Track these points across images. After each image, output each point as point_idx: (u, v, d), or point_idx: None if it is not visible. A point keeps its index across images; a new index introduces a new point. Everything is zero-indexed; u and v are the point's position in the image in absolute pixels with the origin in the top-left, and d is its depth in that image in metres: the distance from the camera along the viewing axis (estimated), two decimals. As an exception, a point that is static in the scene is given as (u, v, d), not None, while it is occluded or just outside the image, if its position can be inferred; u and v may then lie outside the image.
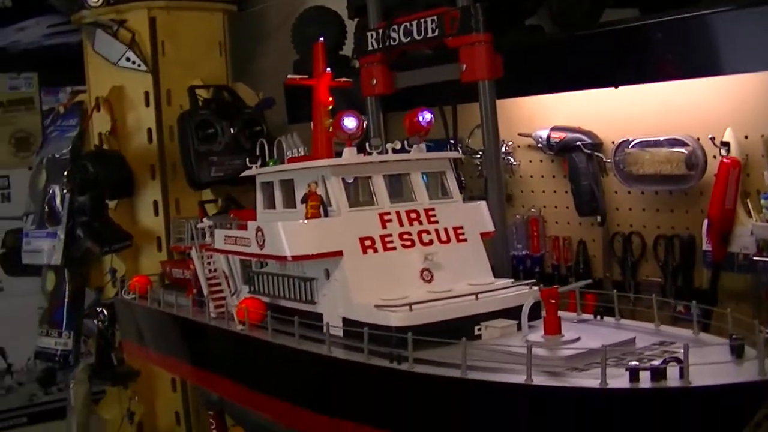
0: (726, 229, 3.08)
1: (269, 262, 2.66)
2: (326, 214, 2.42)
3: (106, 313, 4.31)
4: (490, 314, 2.25)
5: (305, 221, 2.41)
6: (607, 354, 1.81)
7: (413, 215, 2.48)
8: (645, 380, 1.76)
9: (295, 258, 2.39)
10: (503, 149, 3.83)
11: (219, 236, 2.80)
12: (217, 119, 4.23)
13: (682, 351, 1.76)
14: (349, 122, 2.48)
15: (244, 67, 5.02)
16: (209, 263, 2.92)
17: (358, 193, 2.49)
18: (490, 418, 1.89)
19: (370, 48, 3.22)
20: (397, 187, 2.54)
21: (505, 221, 3.34)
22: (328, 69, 2.68)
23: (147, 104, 4.42)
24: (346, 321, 2.29)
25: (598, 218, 3.54)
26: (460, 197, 2.62)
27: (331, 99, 2.67)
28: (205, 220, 3.07)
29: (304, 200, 2.41)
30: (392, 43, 3.13)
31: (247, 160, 2.79)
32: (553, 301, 2.12)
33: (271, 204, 2.71)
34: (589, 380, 1.80)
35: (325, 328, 2.26)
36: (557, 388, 1.80)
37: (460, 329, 2.09)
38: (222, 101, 4.33)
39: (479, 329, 2.21)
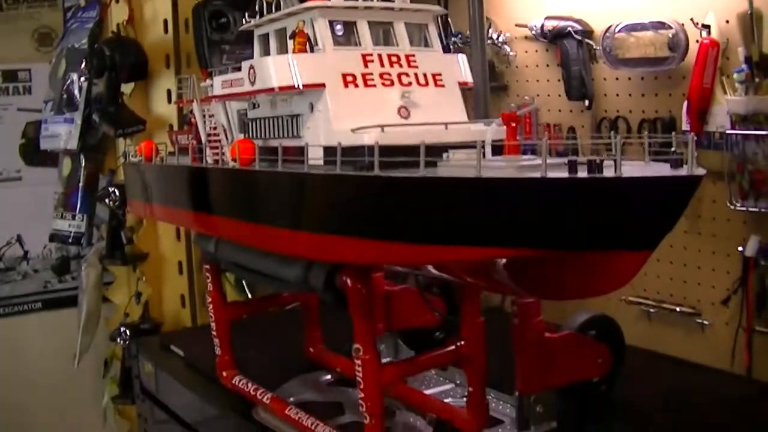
0: (703, 107, 3.24)
1: (261, 104, 2.83)
2: (312, 51, 2.58)
3: (117, 193, 4.50)
4: (458, 145, 2.37)
5: (291, 55, 2.58)
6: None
7: (394, 58, 2.62)
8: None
9: (282, 88, 2.54)
10: (500, 39, 3.99)
11: (217, 83, 2.97)
12: (230, 9, 4.37)
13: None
14: (338, -32, 2.63)
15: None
16: (210, 117, 3.10)
17: (343, 37, 2.64)
18: (444, 211, 2.05)
19: None
20: (381, 34, 2.68)
21: (487, 105, 3.50)
22: None
23: (162, -5, 4.60)
24: (326, 149, 2.46)
25: (586, 102, 3.70)
26: (440, 49, 2.78)
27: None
28: (207, 81, 3.23)
29: (291, 36, 2.58)
30: None
31: (246, 15, 2.94)
32: (513, 123, 2.27)
33: (266, 55, 2.88)
34: (533, 174, 1.96)
35: (305, 150, 2.43)
36: (502, 179, 1.96)
37: (429, 154, 2.18)
38: (236, -8, 4.48)
39: (447, 156, 2.35)
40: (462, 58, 2.80)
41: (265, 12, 2.89)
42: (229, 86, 2.85)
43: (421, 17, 2.74)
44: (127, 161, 3.63)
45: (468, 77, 2.77)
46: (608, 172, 1.90)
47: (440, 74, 2.68)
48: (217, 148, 3.02)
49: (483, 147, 2.06)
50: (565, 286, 2.18)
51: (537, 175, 1.92)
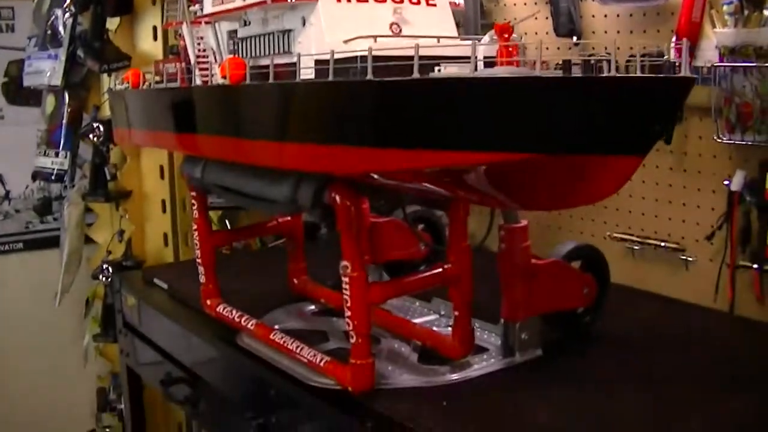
0: (692, 41, 3.23)
1: (252, 21, 2.81)
2: (306, -33, 2.57)
3: (102, 129, 4.47)
4: (450, 58, 2.38)
5: None
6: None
7: (385, -23, 2.63)
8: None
9: (275, 0, 2.54)
10: (490, -23, 3.98)
11: (207, 2, 2.95)
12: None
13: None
14: None
15: None
16: (199, 41, 3.08)
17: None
18: (438, 115, 2.05)
19: None
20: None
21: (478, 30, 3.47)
22: None
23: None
24: (317, 62, 2.45)
25: (574, 38, 3.69)
26: (433, -26, 2.77)
27: None
28: (196, 5, 3.20)
29: (286, -50, 2.57)
30: None
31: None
32: (506, 35, 2.27)
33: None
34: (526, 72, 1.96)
35: (296, 59, 2.41)
36: (495, 78, 1.96)
37: (421, 67, 2.20)
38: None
39: (439, 69, 2.35)
40: (453, -20, 2.79)
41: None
42: (220, 3, 2.83)
43: None
44: (113, 90, 3.60)
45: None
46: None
47: (431, -6, 2.67)
48: (206, 69, 3.00)
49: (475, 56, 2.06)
50: (553, 193, 2.19)
51: (531, 74, 1.92)
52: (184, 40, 3.14)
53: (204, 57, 3.03)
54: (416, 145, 2.10)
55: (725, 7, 3.06)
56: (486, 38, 2.37)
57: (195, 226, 3.33)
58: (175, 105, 3.05)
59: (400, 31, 2.56)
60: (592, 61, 1.91)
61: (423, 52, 2.26)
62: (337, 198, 2.56)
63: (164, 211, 4.70)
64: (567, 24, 3.66)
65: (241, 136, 2.68)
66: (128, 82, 3.46)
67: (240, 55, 2.89)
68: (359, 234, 2.58)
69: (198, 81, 2.99)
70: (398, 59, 2.18)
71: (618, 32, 3.60)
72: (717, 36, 3.11)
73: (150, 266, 4.50)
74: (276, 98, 2.49)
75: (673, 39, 3.28)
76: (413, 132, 2.10)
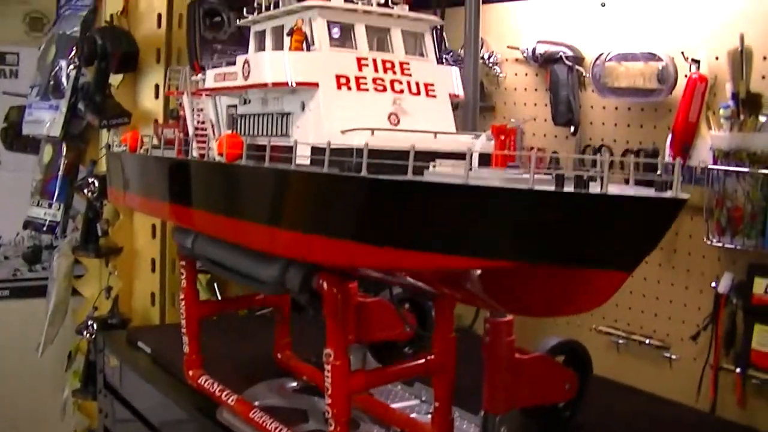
0: (687, 141, 3.26)
1: (252, 101, 2.82)
2: (308, 50, 2.59)
3: (96, 184, 4.47)
4: (446, 154, 2.38)
5: (287, 52, 2.58)
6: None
7: (388, 65, 2.63)
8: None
9: (275, 84, 2.54)
10: (491, 60, 4.01)
11: (209, 76, 2.97)
12: (224, 8, 4.39)
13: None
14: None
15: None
16: (199, 112, 3.09)
17: (339, 38, 2.63)
18: (428, 216, 2.05)
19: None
20: (378, 40, 2.68)
21: (476, 120, 3.50)
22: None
23: (160, -11, 4.60)
24: (314, 149, 2.46)
25: (572, 128, 3.72)
26: (435, 60, 2.79)
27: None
28: (199, 75, 3.22)
29: (289, 33, 2.58)
30: None
31: (245, 10, 2.94)
32: (503, 136, 2.28)
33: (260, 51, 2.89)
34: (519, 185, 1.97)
35: (293, 147, 2.43)
36: (488, 188, 1.96)
37: (416, 161, 2.17)
38: (232, -7, 4.49)
39: (433, 165, 2.35)
40: (455, 70, 2.81)
41: (263, 9, 2.88)
42: (222, 80, 2.85)
43: (418, 26, 2.76)
44: (111, 150, 3.61)
45: (459, 90, 2.78)
46: (594, 190, 1.91)
47: (432, 84, 2.69)
48: (204, 142, 3.01)
49: (471, 157, 2.07)
50: (538, 302, 2.18)
51: (524, 186, 1.93)
52: (184, 110, 3.15)
53: (202, 129, 3.04)
54: (404, 246, 2.10)
55: (722, 111, 3.09)
56: (483, 137, 2.39)
57: (182, 296, 3.32)
58: (171, 175, 3.06)
59: (398, 122, 2.57)
60: (585, 177, 1.91)
61: (419, 146, 2.27)
62: (325, 285, 2.56)
63: (153, 270, 4.69)
64: (566, 113, 3.69)
65: (233, 216, 2.69)
66: (126, 144, 3.47)
67: (238, 132, 2.90)
68: (345, 321, 2.58)
69: (195, 153, 3.00)
70: (393, 154, 2.18)
71: (615, 125, 3.64)
72: (712, 138, 3.14)
73: (135, 327, 4.48)
74: (270, 182, 2.50)
75: (669, 136, 3.31)
76: (402, 231, 2.10)
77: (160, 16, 4.60)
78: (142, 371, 3.69)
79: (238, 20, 4.37)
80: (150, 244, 4.69)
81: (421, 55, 2.76)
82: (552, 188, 1.91)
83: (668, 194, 1.95)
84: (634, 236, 1.94)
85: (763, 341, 3.06)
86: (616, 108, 3.62)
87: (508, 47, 3.97)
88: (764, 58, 3.09)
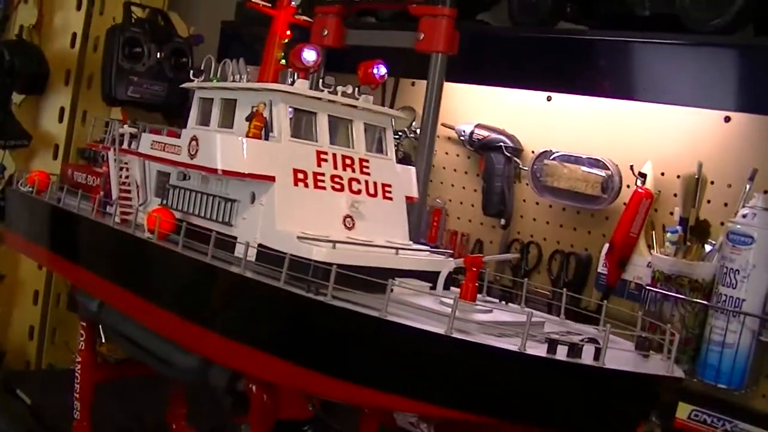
0: (626, 255, 3.19)
1: (192, 176, 2.61)
2: (267, 139, 2.39)
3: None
4: (406, 272, 2.26)
5: (244, 139, 2.38)
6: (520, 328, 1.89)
7: (348, 161, 2.47)
8: (561, 354, 1.80)
9: (226, 173, 2.34)
10: (422, 134, 3.88)
11: (146, 140, 2.73)
12: (146, 40, 4.13)
13: (596, 334, 1.84)
14: (309, 55, 2.46)
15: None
16: (124, 169, 2.85)
17: (300, 127, 2.47)
18: (404, 363, 1.90)
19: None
20: (338, 131, 2.53)
21: (425, 201, 3.37)
22: (293, 3, 2.66)
23: (78, 8, 4.26)
24: (262, 247, 2.26)
25: (503, 221, 3.61)
26: (393, 158, 2.64)
27: (289, 33, 2.65)
28: (126, 126, 2.98)
29: (249, 118, 2.38)
30: (354, -1, 3.14)
31: (191, 72, 2.72)
32: (475, 268, 2.15)
33: (205, 121, 2.66)
34: (509, 344, 1.83)
35: (243, 248, 2.23)
36: (477, 345, 1.82)
37: (377, 279, 2.07)
38: (155, 24, 4.23)
39: (393, 284, 2.20)
40: (412, 171, 2.67)
41: (211, 74, 2.68)
42: (161, 149, 2.61)
43: (381, 120, 2.61)
44: (14, 189, 3.31)
45: (415, 192, 2.66)
46: (586, 356, 1.79)
47: (390, 186, 2.55)
48: (128, 206, 2.77)
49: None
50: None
51: (513, 347, 1.79)
52: (107, 165, 2.89)
53: (126, 189, 2.80)
54: (374, 384, 1.94)
55: (669, 235, 3.02)
56: (452, 263, 2.26)
57: (79, 358, 3.07)
58: (89, 240, 2.82)
59: (353, 225, 2.41)
60: (580, 344, 1.80)
61: (381, 263, 2.20)
62: (254, 389, 2.38)
63: (35, 302, 4.37)
64: (498, 204, 3.58)
65: (161, 305, 2.47)
66: (33, 186, 3.20)
67: (169, 202, 2.68)
68: (272, 420, 2.41)
69: (116, 218, 2.76)
70: (353, 269, 2.04)
71: (547, 223, 3.54)
72: (654, 258, 3.07)
73: (13, 371, 4.15)
74: (217, 283, 2.29)
75: (606, 246, 3.24)
76: (374, 368, 1.95)
77: (75, 35, 4.29)
78: (20, 425, 3.39)
79: (159, 53, 4.17)
80: (35, 275, 4.37)
81: (380, 151, 2.61)
82: (545, 354, 1.79)
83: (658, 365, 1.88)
84: (624, 408, 1.84)
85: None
86: (550, 206, 3.53)
87: (442, 124, 3.83)
88: (711, 182, 3.04)
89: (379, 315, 1.89)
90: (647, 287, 3.06)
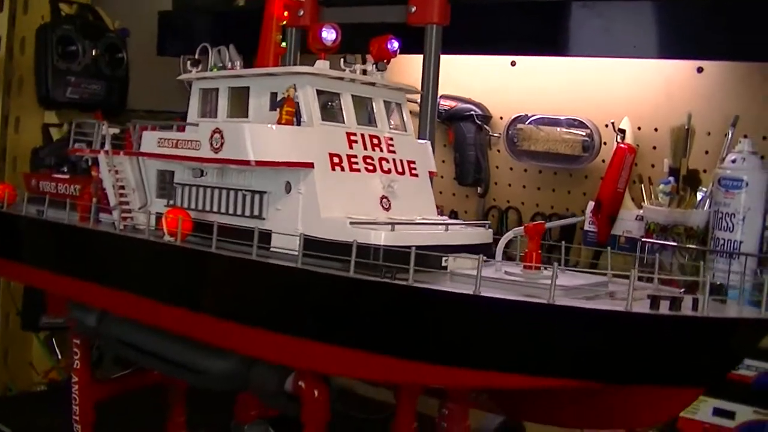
0: (614, 211, 3.22)
1: (209, 173, 2.47)
2: (298, 124, 2.29)
3: None
4: (457, 248, 2.21)
5: (274, 126, 2.27)
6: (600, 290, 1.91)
7: (375, 141, 2.40)
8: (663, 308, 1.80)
9: (260, 163, 2.23)
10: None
11: (149, 139, 2.57)
12: (80, 37, 3.93)
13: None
14: (328, 34, 2.37)
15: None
16: (117, 172, 2.69)
17: (325, 110, 2.38)
18: (503, 338, 1.85)
19: (305, -24, 3.09)
20: (361, 110, 2.46)
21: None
22: (287, -17, 2.56)
23: (0, 8, 4.02)
24: (307, 238, 2.16)
25: (479, 189, 3.59)
26: (413, 132, 2.59)
27: (286, 14, 2.55)
28: (104, 125, 2.80)
29: (279, 105, 2.26)
30: (332, -26, 3.04)
31: (188, 62, 2.58)
32: (537, 237, 2.12)
33: (209, 112, 2.54)
34: (613, 305, 1.81)
35: (285, 241, 2.14)
36: (584, 310, 1.79)
37: (431, 258, 2.04)
38: (86, 20, 4.03)
39: (445, 260, 2.16)
40: (429, 146, 2.63)
41: (210, 64, 2.56)
42: (173, 146, 2.46)
43: (397, 95, 2.55)
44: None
45: (434, 167, 2.61)
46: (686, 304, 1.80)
47: (414, 162, 2.49)
48: (126, 210, 2.62)
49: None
50: (609, 418, 2.05)
51: (619, 308, 1.77)
52: (97, 170, 2.73)
53: (124, 195, 2.65)
54: (472, 364, 1.90)
55: (662, 186, 3.05)
56: (510, 234, 2.22)
57: (75, 378, 2.91)
58: (87, 250, 2.65)
59: (390, 205, 2.34)
60: (679, 294, 1.80)
61: (436, 241, 2.15)
62: (304, 386, 2.29)
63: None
64: (473, 174, 3.55)
65: (197, 310, 2.34)
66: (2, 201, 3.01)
67: (179, 201, 2.55)
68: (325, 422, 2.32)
69: (120, 224, 2.60)
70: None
71: (524, 187, 3.55)
72: (646, 211, 3.10)
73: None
74: (272, 282, 2.18)
75: (591, 203, 3.26)
76: (471, 348, 1.90)
77: (-1, 38, 4.03)
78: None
79: (93, 50, 3.98)
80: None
81: (401, 128, 2.54)
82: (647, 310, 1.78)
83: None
84: (726, 354, 1.85)
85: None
86: (525, 170, 3.53)
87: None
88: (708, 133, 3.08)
89: (473, 292, 1.84)
90: (643, 239, 3.09)
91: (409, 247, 1.95)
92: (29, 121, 4.08)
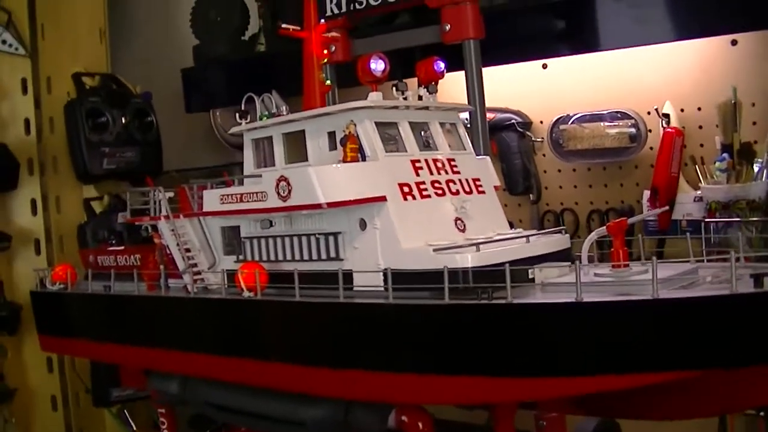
0: (671, 196, 3.19)
1: (277, 222, 2.46)
2: (364, 159, 2.28)
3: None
4: (540, 258, 2.22)
5: (339, 165, 2.26)
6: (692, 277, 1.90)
7: (439, 164, 2.39)
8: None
9: (332, 204, 2.21)
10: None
11: (211, 198, 2.56)
12: (107, 107, 3.94)
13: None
14: (377, 65, 2.36)
15: (117, 55, 4.66)
16: (180, 235, 2.67)
17: (386, 140, 2.36)
18: (609, 340, 1.83)
19: (329, 13, 3.08)
20: (419, 135, 2.44)
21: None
22: (322, 20, 2.55)
23: (24, 92, 4.01)
24: (391, 271, 2.13)
25: (531, 196, 3.56)
26: (472, 150, 2.57)
27: (326, 52, 2.54)
28: (157, 191, 2.79)
29: (342, 143, 2.25)
30: (358, 6, 3.02)
31: (237, 115, 2.56)
32: (621, 235, 2.10)
33: (264, 161, 2.53)
34: (715, 291, 1.78)
35: (383, 276, 2.12)
36: (686, 299, 1.77)
37: (517, 271, 2.01)
38: (111, 90, 4.03)
39: (531, 272, 2.14)
40: (489, 161, 2.61)
41: (260, 114, 2.54)
42: (237, 201, 2.45)
43: (451, 116, 2.53)
44: (42, 290, 3.09)
45: (497, 180, 2.59)
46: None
47: (479, 179, 2.47)
48: (196, 272, 2.61)
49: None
50: (707, 404, 2.03)
51: (724, 292, 1.75)
52: (159, 237, 2.72)
53: (191, 257, 2.63)
54: (581, 372, 1.87)
55: (718, 164, 3.03)
56: (593, 235, 2.20)
57: (166, 448, 2.89)
58: (162, 318, 2.64)
59: (465, 227, 2.32)
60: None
61: (520, 254, 2.15)
62: (406, 419, 2.26)
63: (55, 408, 4.10)
64: (522, 182, 3.53)
65: (277, 359, 2.33)
66: (62, 283, 3.00)
67: (249, 255, 2.54)
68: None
69: (192, 288, 2.59)
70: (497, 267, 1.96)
71: (575, 187, 3.52)
72: (705, 191, 3.07)
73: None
74: (348, 320, 2.16)
75: (646, 192, 3.23)
76: (589, 354, 1.87)
77: (27, 121, 4.03)
78: None
79: (122, 118, 3.98)
80: (47, 380, 4.11)
81: (460, 146, 2.53)
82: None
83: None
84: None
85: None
86: (574, 170, 3.51)
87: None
88: (753, 104, 3.05)
89: (575, 300, 1.82)
90: (706, 219, 3.05)
91: (500, 264, 1.94)
92: (69, 198, 4.09)
